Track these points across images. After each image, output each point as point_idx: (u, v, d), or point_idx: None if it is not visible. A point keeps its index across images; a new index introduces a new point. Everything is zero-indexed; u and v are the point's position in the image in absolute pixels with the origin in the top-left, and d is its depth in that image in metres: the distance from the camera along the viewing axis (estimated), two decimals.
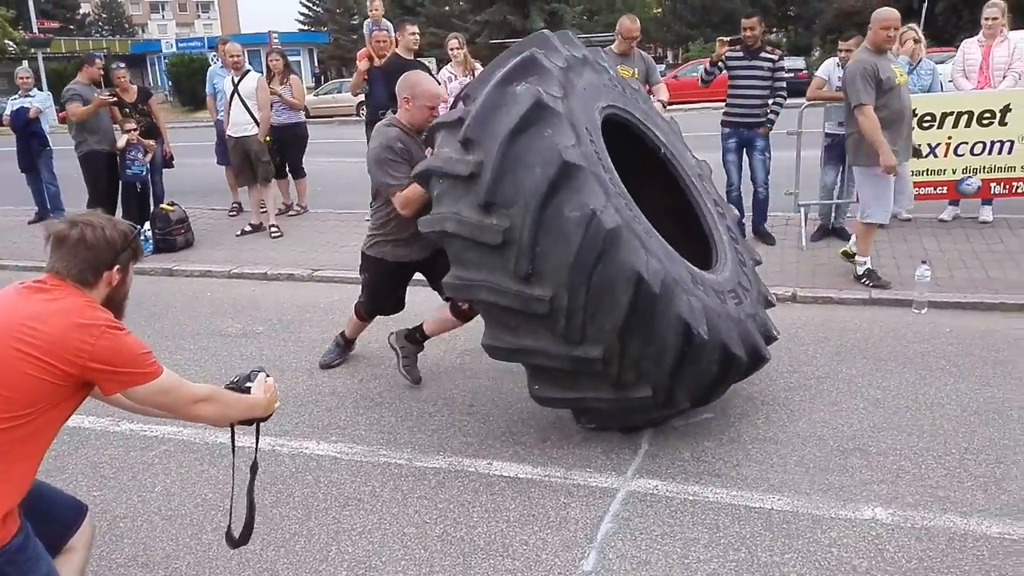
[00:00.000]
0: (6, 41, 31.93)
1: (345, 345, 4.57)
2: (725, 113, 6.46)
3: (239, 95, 7.43)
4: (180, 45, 41.16)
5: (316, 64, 38.97)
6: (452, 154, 3.10)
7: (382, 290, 4.18)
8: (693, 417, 3.75)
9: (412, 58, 6.39)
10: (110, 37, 51.61)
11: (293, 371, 4.51)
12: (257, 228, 7.85)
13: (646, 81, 6.25)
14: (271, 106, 7.63)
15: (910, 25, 6.51)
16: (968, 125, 5.92)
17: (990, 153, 5.97)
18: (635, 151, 3.87)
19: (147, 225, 7.25)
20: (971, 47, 6.41)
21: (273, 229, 7.65)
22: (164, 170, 8.22)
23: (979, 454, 3.29)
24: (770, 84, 6.29)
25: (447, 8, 38.07)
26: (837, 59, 6.18)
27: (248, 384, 2.28)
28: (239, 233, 7.82)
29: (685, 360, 3.08)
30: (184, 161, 9.54)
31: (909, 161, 5.27)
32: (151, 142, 7.70)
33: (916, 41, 6.37)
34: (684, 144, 4.18)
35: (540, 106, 2.99)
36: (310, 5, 50.27)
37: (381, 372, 4.44)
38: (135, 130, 7.51)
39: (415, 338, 4.17)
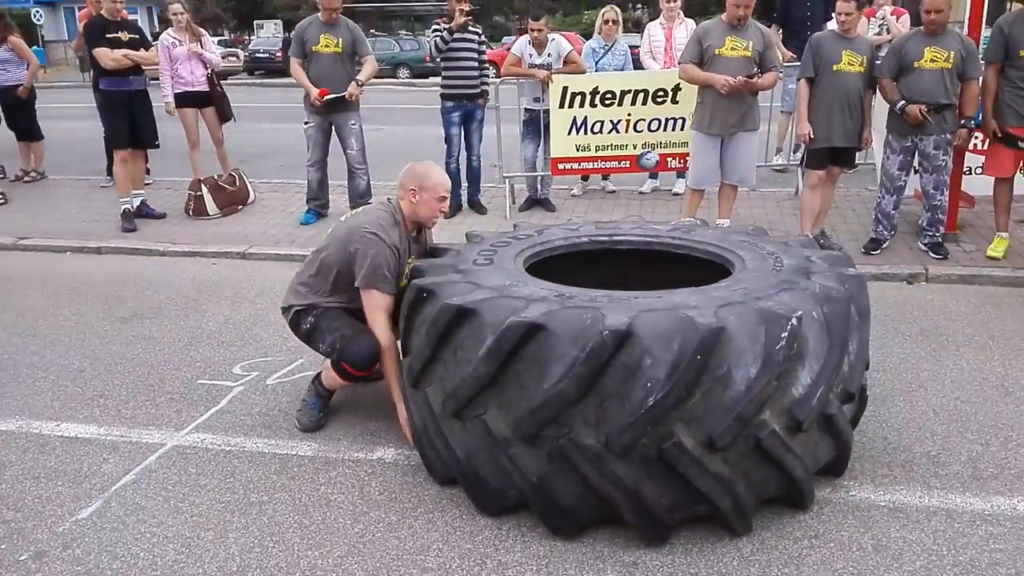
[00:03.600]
0: None
1: (328, 396, 3.57)
2: (445, 87, 6.69)
3: None
4: None
5: (156, 23, 36.89)
6: None
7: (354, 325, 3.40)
8: (290, 376, 4.02)
9: (118, 19, 6.29)
10: None
11: None
12: None
13: (353, 53, 6.36)
14: None
15: (610, 6, 6.94)
16: (645, 103, 6.40)
17: (665, 129, 6.49)
18: None
19: None
20: (655, 29, 6.92)
21: None
22: None
23: None
24: (478, 57, 6.61)
25: None
26: (529, 38, 6.53)
27: None
28: None
29: None
30: None
31: (749, 141, 5.43)
32: None
33: (614, 23, 6.81)
34: None
35: None
36: None
37: (49, 342, 4.48)
38: None
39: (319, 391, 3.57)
